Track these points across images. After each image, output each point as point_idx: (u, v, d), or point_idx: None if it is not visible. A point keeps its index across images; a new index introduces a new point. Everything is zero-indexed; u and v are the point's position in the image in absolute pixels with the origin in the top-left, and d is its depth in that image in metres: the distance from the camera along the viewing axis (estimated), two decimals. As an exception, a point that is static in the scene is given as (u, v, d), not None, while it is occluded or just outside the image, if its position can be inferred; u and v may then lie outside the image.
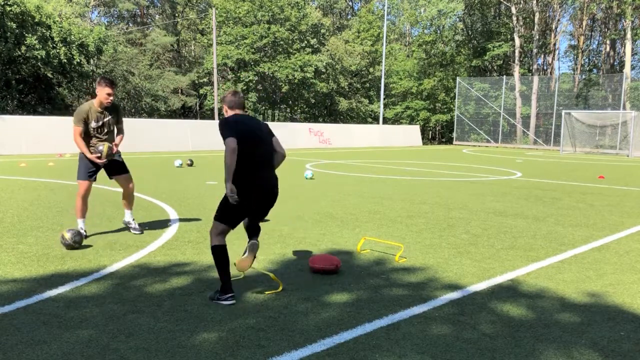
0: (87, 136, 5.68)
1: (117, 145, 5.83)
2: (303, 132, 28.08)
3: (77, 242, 5.18)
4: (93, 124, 5.63)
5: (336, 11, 52.05)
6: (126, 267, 4.65)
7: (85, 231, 5.70)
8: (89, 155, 5.59)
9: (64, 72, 28.54)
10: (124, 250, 5.20)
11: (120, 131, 5.95)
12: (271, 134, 4.13)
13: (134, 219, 6.12)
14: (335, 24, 50.01)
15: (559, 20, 42.95)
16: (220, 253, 3.84)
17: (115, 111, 5.81)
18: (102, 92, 5.55)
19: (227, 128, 3.80)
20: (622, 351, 3.13)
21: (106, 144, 5.61)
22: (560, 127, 32.01)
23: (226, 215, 3.90)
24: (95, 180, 5.89)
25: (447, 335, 3.29)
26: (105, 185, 10.10)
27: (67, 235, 5.15)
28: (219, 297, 3.81)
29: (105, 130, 5.73)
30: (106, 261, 4.81)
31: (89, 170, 5.74)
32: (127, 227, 6.11)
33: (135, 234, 5.96)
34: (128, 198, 6.07)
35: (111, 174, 5.95)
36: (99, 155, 5.60)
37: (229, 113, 4.05)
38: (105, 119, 5.69)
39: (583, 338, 3.31)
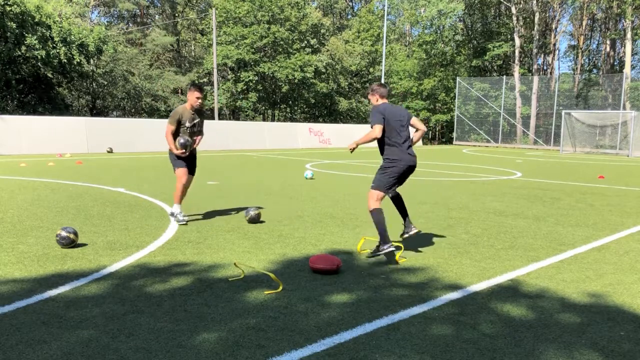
0: (177, 134, 6.54)
1: (195, 143, 6.72)
2: (303, 132, 28.09)
3: (72, 233, 5.20)
4: (187, 124, 6.52)
5: (336, 11, 52.03)
6: (126, 267, 4.65)
7: (182, 214, 6.58)
8: (175, 151, 6.47)
9: (64, 72, 28.54)
10: (124, 250, 5.20)
11: (200, 132, 6.76)
12: (410, 117, 5.28)
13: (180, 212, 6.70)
14: (335, 24, 49.99)
15: (559, 20, 42.98)
16: (380, 214, 5.04)
17: (202, 115, 6.72)
18: (193, 96, 6.46)
19: (377, 113, 5.06)
20: (622, 351, 3.13)
21: (187, 139, 6.47)
22: (560, 127, 32.01)
23: (383, 184, 5.11)
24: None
25: (447, 335, 3.29)
26: (104, 185, 10.10)
27: (63, 232, 5.17)
28: (380, 249, 4.98)
29: (195, 130, 6.63)
30: (106, 261, 4.81)
31: (185, 161, 6.62)
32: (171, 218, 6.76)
33: (180, 224, 6.49)
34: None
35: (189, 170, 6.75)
36: (184, 150, 6.47)
37: (378, 102, 5.21)
38: (195, 120, 6.59)
39: (583, 338, 3.31)
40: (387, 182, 5.12)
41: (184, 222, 6.49)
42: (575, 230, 6.69)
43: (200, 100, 6.49)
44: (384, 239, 4.98)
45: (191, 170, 6.75)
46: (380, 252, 4.99)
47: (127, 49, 38.10)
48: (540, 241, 6.02)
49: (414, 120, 5.31)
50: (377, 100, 5.25)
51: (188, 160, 6.69)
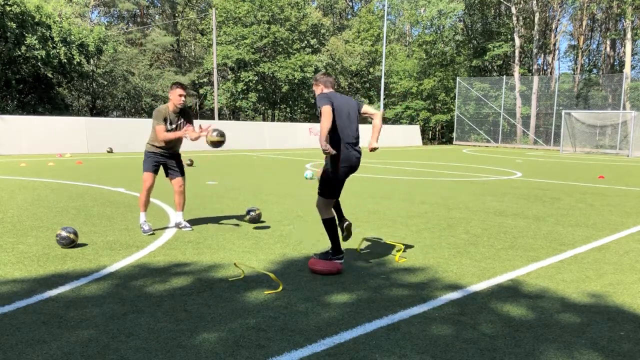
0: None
1: (201, 129, 5.84)
2: (303, 132, 28.08)
3: (72, 233, 5.21)
4: (168, 126, 5.96)
5: (336, 11, 52.04)
6: (126, 267, 4.65)
7: (148, 224, 6.02)
8: (186, 134, 5.79)
9: (64, 72, 28.54)
10: (124, 250, 5.21)
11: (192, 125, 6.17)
12: (360, 106, 4.74)
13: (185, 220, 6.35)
14: (335, 24, 50.00)
15: (559, 20, 42.98)
16: (331, 224, 4.62)
17: (187, 115, 6.10)
18: (175, 94, 5.86)
19: (323, 98, 4.41)
20: (622, 351, 3.13)
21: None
22: (560, 127, 32.02)
23: (329, 189, 4.60)
24: (157, 173, 6.19)
25: (447, 335, 3.29)
26: (104, 185, 10.10)
27: (63, 232, 5.17)
28: (331, 257, 4.65)
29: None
30: (106, 261, 4.81)
31: (154, 164, 6.13)
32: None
33: (186, 230, 6.14)
34: (179, 199, 6.25)
35: (168, 174, 6.25)
36: (221, 139, 5.67)
37: (323, 91, 4.62)
38: (179, 122, 6.01)
39: (583, 338, 3.30)
40: (334, 186, 4.60)
41: (151, 233, 5.93)
42: (575, 230, 6.69)
43: (183, 98, 5.87)
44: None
45: (181, 172, 6.22)
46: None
47: (127, 49, 38.11)
48: (540, 241, 6.01)
49: (366, 107, 4.74)
50: (321, 91, 4.66)
51: (172, 160, 6.15)
